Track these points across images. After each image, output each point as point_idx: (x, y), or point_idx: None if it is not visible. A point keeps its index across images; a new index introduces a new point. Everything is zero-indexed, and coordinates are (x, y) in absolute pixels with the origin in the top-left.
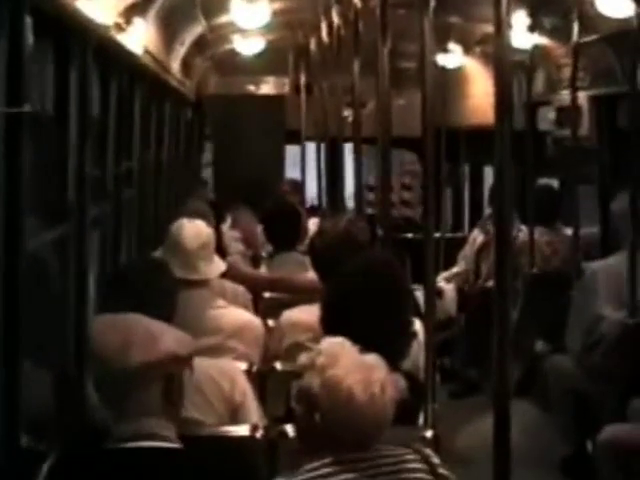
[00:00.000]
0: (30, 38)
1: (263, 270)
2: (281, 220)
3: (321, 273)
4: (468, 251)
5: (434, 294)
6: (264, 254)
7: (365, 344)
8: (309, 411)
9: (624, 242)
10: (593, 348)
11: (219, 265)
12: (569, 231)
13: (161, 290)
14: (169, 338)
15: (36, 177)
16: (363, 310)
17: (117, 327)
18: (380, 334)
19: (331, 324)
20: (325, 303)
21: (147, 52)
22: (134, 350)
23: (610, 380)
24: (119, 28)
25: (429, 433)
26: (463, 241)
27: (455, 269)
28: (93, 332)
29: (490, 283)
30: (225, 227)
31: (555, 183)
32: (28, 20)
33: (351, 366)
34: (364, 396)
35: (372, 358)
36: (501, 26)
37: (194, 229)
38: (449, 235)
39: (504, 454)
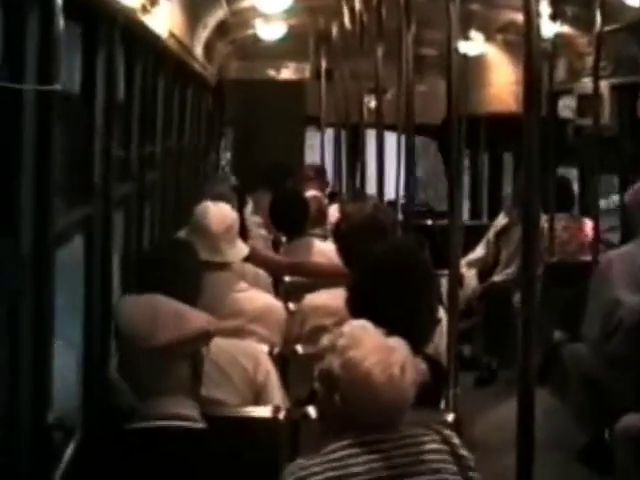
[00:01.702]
0: (61, 18)
1: (282, 254)
2: (287, 208)
3: (346, 257)
4: (491, 235)
5: (457, 281)
6: (284, 239)
7: (391, 328)
8: (329, 392)
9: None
10: (611, 335)
11: (242, 249)
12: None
13: (187, 271)
14: (196, 316)
15: (63, 157)
16: (390, 294)
17: (145, 307)
18: (406, 318)
19: (357, 307)
20: (352, 285)
21: (171, 35)
22: (161, 329)
23: (628, 367)
24: (145, 10)
25: (450, 417)
26: (482, 229)
27: (476, 254)
28: (121, 312)
29: (510, 269)
30: (247, 211)
31: (574, 172)
32: (59, 1)
33: (371, 348)
34: (383, 377)
35: (394, 341)
36: (531, 14)
37: (219, 212)
38: (468, 222)
39: (527, 440)
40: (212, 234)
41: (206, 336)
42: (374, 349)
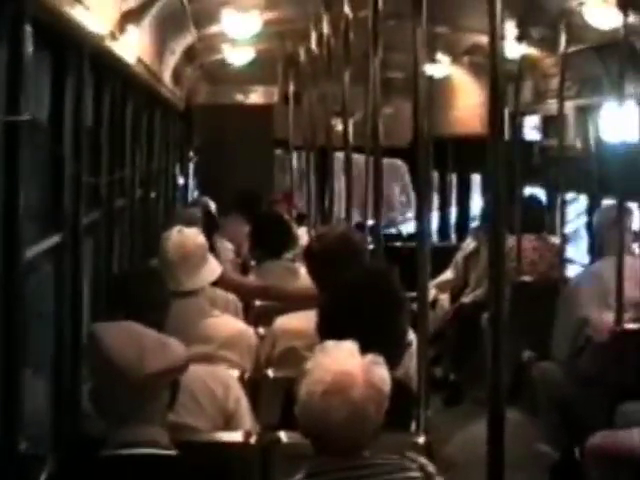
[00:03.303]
0: (30, 47)
1: (252, 278)
2: (270, 228)
3: (318, 277)
4: (459, 258)
5: (427, 303)
6: (252, 262)
7: (360, 351)
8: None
9: (608, 250)
10: (579, 353)
11: (207, 275)
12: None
13: (153, 300)
14: (177, 344)
15: (32, 185)
16: (360, 317)
17: (129, 335)
18: (376, 341)
19: (328, 330)
20: (322, 309)
21: (140, 61)
22: (150, 358)
23: (597, 385)
24: (113, 37)
25: (421, 439)
26: (450, 250)
27: (445, 276)
28: (102, 340)
29: (478, 291)
30: (217, 237)
31: (541, 192)
32: (28, 29)
33: (319, 364)
34: (339, 399)
35: (371, 359)
36: (495, 37)
37: (178, 241)
38: (437, 244)
39: (498, 460)
40: (169, 264)
41: (185, 366)
42: (321, 366)
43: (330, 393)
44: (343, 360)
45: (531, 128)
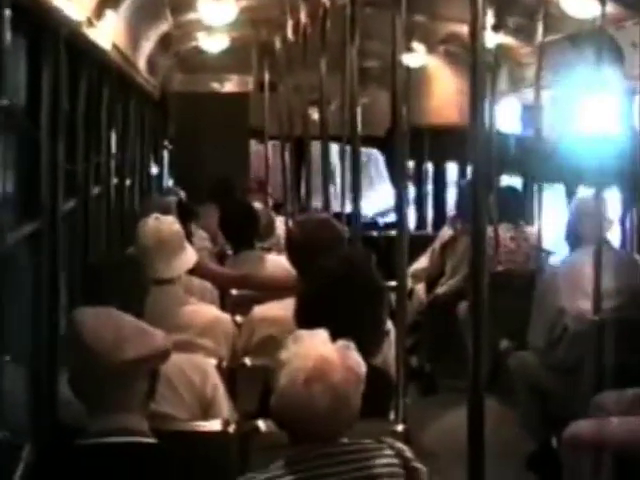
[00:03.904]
0: (8, 32)
1: (228, 267)
2: (238, 219)
3: (299, 265)
4: (437, 246)
5: (406, 293)
6: (229, 252)
7: (338, 339)
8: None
9: (584, 239)
10: (556, 343)
11: (183, 263)
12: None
13: (131, 286)
14: (156, 332)
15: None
16: (338, 305)
17: (108, 321)
18: (354, 330)
19: (306, 318)
20: (301, 297)
21: (115, 48)
22: (129, 344)
23: (574, 375)
24: (90, 23)
25: (400, 427)
26: (427, 239)
27: (420, 264)
28: (81, 325)
29: (453, 280)
30: (193, 225)
31: (517, 182)
32: (7, 13)
33: (297, 352)
34: (320, 386)
35: (344, 346)
36: (477, 26)
37: (154, 229)
38: (413, 233)
39: (478, 449)
40: (146, 251)
41: (165, 355)
42: (299, 354)
43: (312, 380)
44: (319, 347)
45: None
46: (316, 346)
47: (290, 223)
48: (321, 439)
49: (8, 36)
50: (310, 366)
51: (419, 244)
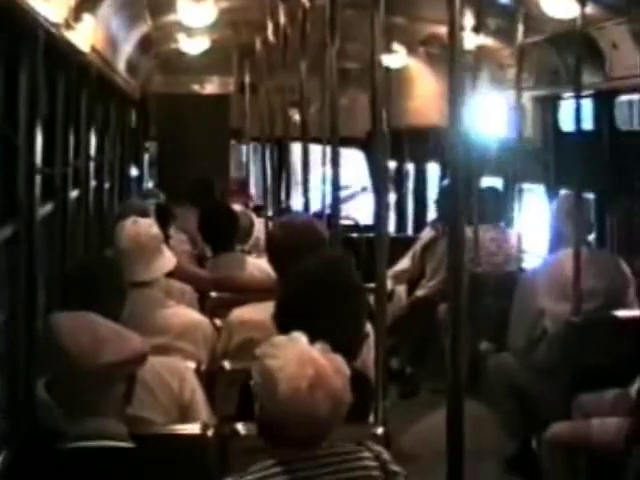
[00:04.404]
0: None
1: (207, 269)
2: (217, 222)
3: (280, 267)
4: (418, 248)
5: (385, 295)
6: (209, 254)
7: (318, 341)
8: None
9: (565, 240)
10: (536, 344)
11: (161, 266)
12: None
13: (109, 289)
14: (133, 336)
15: None
16: (316, 308)
17: (84, 325)
18: (333, 333)
19: (285, 321)
20: (280, 300)
21: (94, 50)
22: (106, 348)
23: (554, 376)
24: (68, 25)
25: (380, 430)
26: (407, 241)
27: (401, 265)
28: (58, 329)
29: (432, 283)
30: (172, 228)
31: (498, 183)
32: None
33: (291, 359)
34: (302, 390)
35: (324, 351)
36: (455, 27)
37: (132, 231)
38: (393, 235)
39: (457, 451)
40: (124, 254)
41: (142, 359)
42: (295, 360)
43: (315, 386)
44: (311, 352)
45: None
46: (307, 351)
47: (270, 225)
48: (306, 443)
49: None
50: (311, 373)
51: (399, 246)
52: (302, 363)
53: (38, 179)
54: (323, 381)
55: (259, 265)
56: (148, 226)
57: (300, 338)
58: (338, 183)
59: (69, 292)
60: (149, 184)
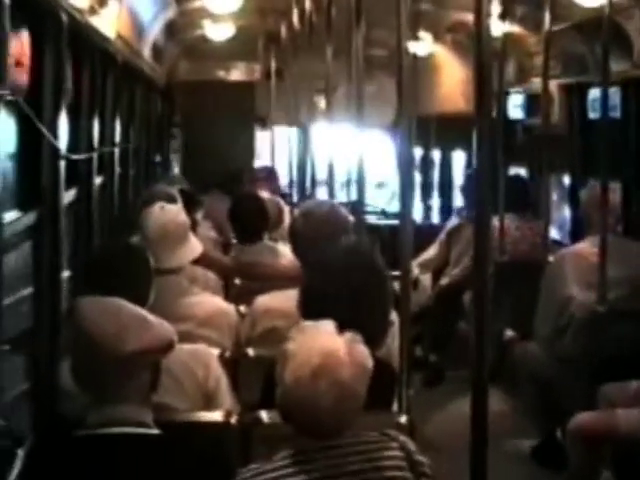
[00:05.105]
0: (8, 21)
1: (233, 257)
2: (246, 210)
3: (302, 256)
4: (443, 236)
5: (410, 283)
6: (234, 241)
7: (344, 330)
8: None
9: (594, 229)
10: (563, 332)
11: (186, 254)
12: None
13: (135, 276)
14: (160, 324)
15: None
16: (341, 296)
17: (111, 311)
18: (358, 321)
19: (310, 309)
20: (305, 287)
21: (119, 36)
22: (130, 335)
23: (579, 365)
24: (92, 11)
25: (404, 419)
26: (433, 229)
27: (428, 254)
28: (83, 315)
29: (456, 270)
30: (198, 215)
31: (524, 172)
32: (6, 1)
33: (303, 346)
34: (324, 381)
35: (350, 339)
36: (481, 14)
37: (159, 218)
38: (419, 223)
39: (481, 440)
40: (150, 241)
41: (169, 347)
42: (304, 348)
43: (319, 375)
44: (326, 340)
45: (515, 106)
46: (322, 339)
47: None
48: (326, 432)
49: (8, 26)
50: (316, 362)
51: (425, 235)
52: (310, 351)
53: (62, 165)
54: (329, 371)
55: (287, 253)
56: (176, 213)
57: (326, 325)
58: (363, 170)
59: (96, 278)
60: (175, 171)
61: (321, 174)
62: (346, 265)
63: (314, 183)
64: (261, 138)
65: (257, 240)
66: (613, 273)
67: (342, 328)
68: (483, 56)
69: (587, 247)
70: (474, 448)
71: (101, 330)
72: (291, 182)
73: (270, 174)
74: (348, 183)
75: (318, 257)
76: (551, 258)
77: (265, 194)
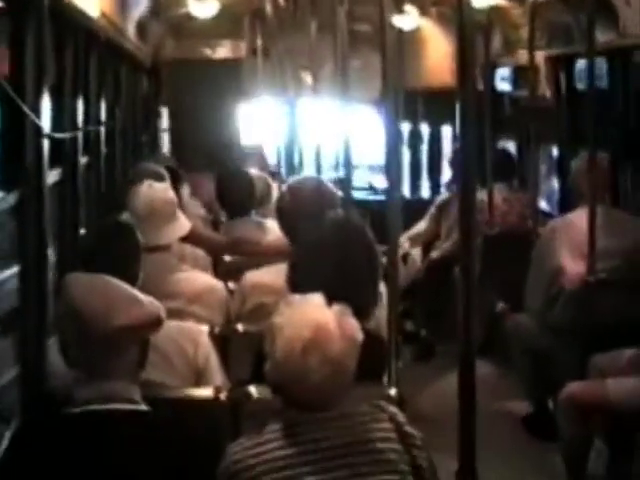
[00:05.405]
0: None
1: (221, 234)
2: (233, 186)
3: (290, 231)
4: (433, 210)
5: (398, 257)
6: (223, 219)
7: (333, 303)
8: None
9: (584, 200)
10: (553, 302)
11: (175, 231)
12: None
13: (124, 254)
14: (149, 301)
15: None
16: (330, 270)
17: (99, 287)
18: (348, 293)
19: (299, 283)
20: (294, 262)
21: (103, 15)
22: (118, 311)
23: (570, 335)
24: None
25: (393, 391)
26: (422, 203)
27: (417, 228)
28: (72, 291)
29: (447, 244)
30: (185, 192)
31: (512, 144)
32: None
33: (293, 320)
34: (315, 354)
35: (338, 311)
36: None
37: (147, 196)
38: (408, 197)
39: (469, 412)
40: (139, 218)
41: (156, 323)
42: (294, 322)
43: (309, 350)
44: (316, 313)
45: (501, 79)
46: (312, 313)
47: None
48: (315, 405)
49: None
50: (307, 336)
51: (414, 209)
52: (301, 325)
53: (46, 144)
54: (320, 345)
55: (275, 229)
56: (164, 190)
57: (314, 299)
58: (349, 146)
59: (85, 256)
60: (162, 149)
61: (309, 152)
62: (335, 238)
63: (302, 160)
64: (248, 115)
65: (243, 215)
66: (603, 243)
67: (331, 301)
68: (465, 28)
69: (578, 217)
70: (463, 420)
71: (89, 306)
72: (279, 160)
73: (258, 152)
74: (337, 166)
75: (306, 232)
76: (541, 229)
77: (253, 171)
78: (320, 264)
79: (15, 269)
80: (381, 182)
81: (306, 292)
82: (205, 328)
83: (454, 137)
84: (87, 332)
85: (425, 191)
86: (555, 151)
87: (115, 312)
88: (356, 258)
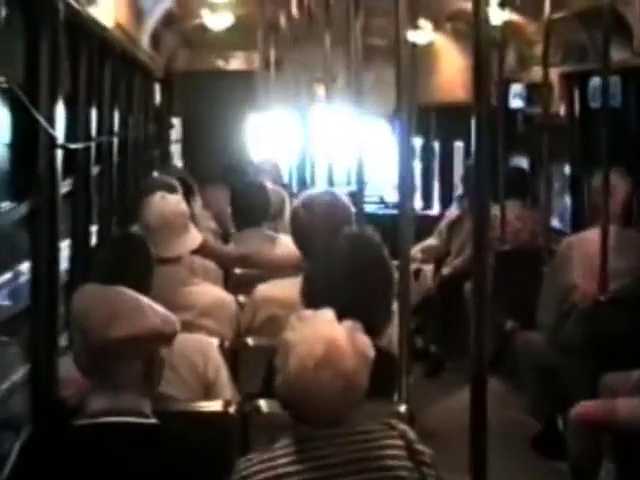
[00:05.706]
0: (2, 9)
1: (232, 246)
2: (247, 198)
3: (304, 246)
4: (443, 226)
5: (409, 272)
6: (232, 230)
7: (345, 319)
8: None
9: (599, 218)
10: (565, 319)
11: (186, 244)
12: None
13: (136, 266)
14: (156, 315)
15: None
16: (344, 285)
17: (105, 298)
18: (360, 310)
19: (313, 298)
20: (308, 276)
21: (117, 25)
22: (120, 322)
23: (581, 352)
24: (90, 0)
25: (403, 408)
26: (433, 218)
27: (428, 242)
28: (78, 302)
29: (458, 260)
30: (197, 204)
31: (524, 161)
32: None
33: (306, 335)
34: (326, 371)
35: (349, 327)
36: (481, 2)
37: (159, 208)
38: (420, 212)
39: (480, 430)
40: (150, 230)
41: (159, 337)
42: (308, 338)
43: (322, 366)
44: (328, 330)
45: (515, 96)
46: (324, 329)
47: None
48: (326, 421)
49: (3, 12)
50: (320, 352)
51: (425, 224)
52: (314, 341)
53: (59, 154)
54: (332, 361)
55: (288, 242)
56: (176, 202)
57: (326, 314)
58: (363, 160)
59: (98, 268)
60: (174, 161)
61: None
62: (350, 254)
63: (313, 174)
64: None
65: (255, 226)
66: (615, 263)
67: (345, 317)
68: (481, 44)
69: (595, 235)
70: (474, 438)
71: (90, 317)
72: (290, 173)
73: (272, 165)
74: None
75: (321, 246)
76: (556, 245)
77: (269, 184)
78: (334, 279)
79: (27, 278)
80: (392, 196)
81: (320, 307)
82: (215, 341)
83: (466, 153)
84: (87, 342)
85: (436, 206)
86: (568, 169)
87: (115, 323)
88: (371, 274)
